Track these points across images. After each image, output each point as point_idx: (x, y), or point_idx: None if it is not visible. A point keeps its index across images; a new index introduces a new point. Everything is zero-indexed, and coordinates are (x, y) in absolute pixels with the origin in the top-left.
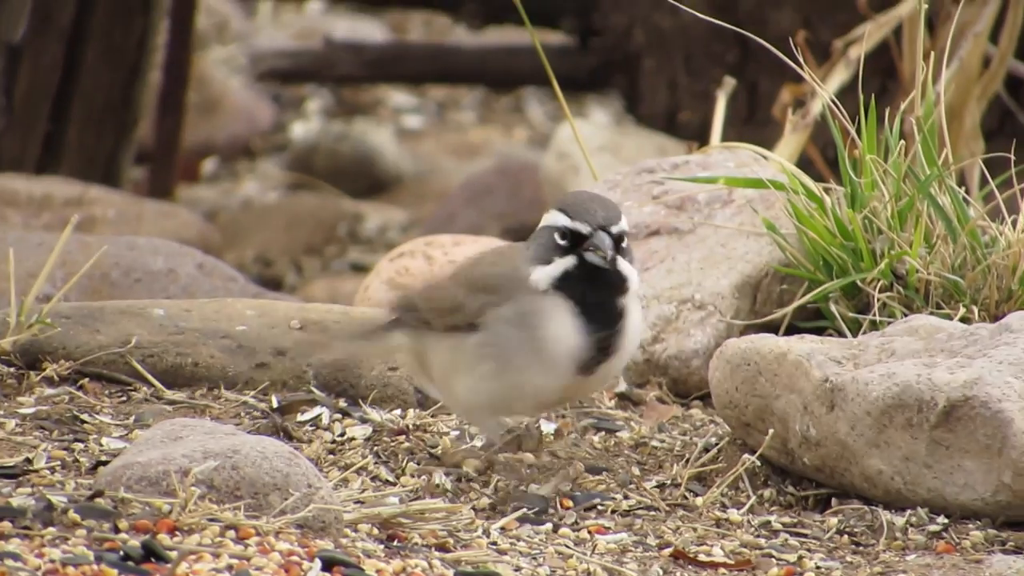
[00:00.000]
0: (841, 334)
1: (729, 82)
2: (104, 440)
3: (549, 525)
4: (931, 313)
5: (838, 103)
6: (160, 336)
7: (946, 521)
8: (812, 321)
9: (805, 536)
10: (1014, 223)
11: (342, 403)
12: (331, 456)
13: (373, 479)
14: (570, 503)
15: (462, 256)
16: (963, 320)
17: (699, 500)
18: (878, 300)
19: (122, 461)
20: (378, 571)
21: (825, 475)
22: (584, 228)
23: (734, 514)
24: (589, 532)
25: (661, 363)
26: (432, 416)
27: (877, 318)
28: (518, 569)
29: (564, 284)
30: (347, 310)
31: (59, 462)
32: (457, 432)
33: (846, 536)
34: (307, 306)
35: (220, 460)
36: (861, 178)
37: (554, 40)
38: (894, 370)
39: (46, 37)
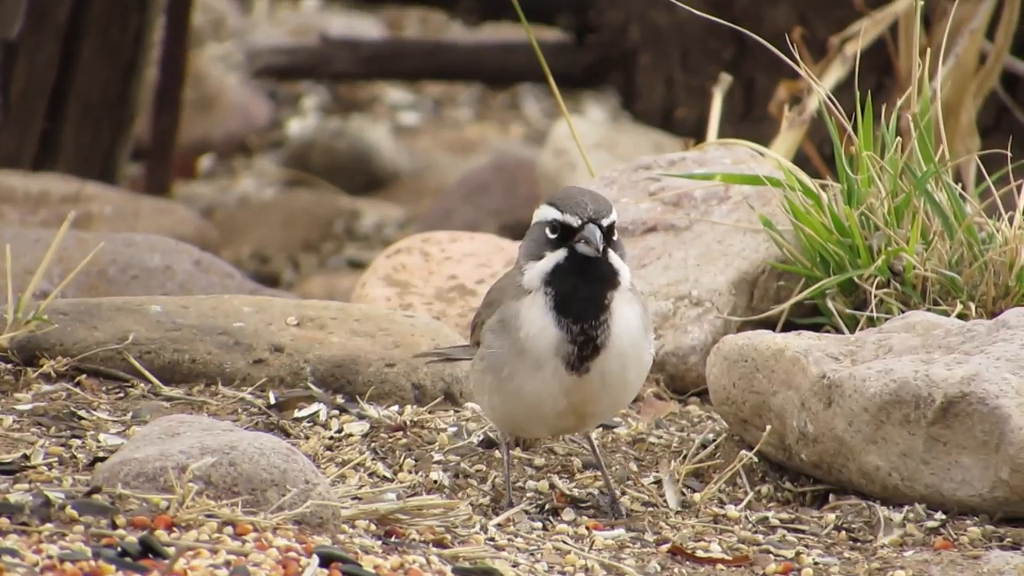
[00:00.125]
0: (838, 330)
1: (725, 79)
2: (101, 436)
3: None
4: (928, 309)
5: (834, 100)
6: (157, 332)
7: (944, 517)
8: (809, 317)
9: (803, 532)
10: (1011, 219)
11: (340, 399)
12: (329, 452)
13: (371, 475)
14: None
15: (459, 253)
16: (960, 316)
17: (697, 496)
18: (875, 296)
19: (119, 457)
20: (376, 567)
21: (823, 471)
22: (574, 221)
23: (732, 510)
24: (587, 528)
25: (658, 359)
26: (430, 412)
27: (874, 314)
28: (516, 565)
29: (555, 278)
30: (344, 306)
31: (56, 458)
32: (455, 428)
33: (844, 532)
34: (304, 302)
35: (217, 456)
36: (858, 175)
37: (550, 37)
38: (891, 366)
39: (42, 34)
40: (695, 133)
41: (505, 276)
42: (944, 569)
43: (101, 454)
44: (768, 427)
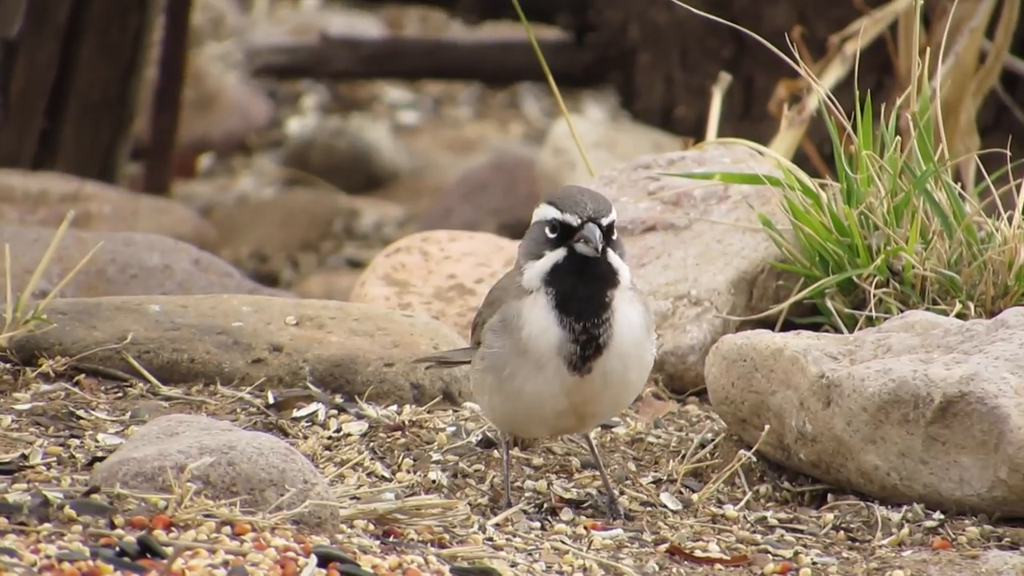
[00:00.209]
0: (837, 330)
1: (725, 78)
2: (100, 436)
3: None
4: (927, 309)
5: (834, 99)
6: (156, 332)
7: (942, 517)
8: (808, 317)
9: (801, 532)
10: (1010, 219)
11: (338, 399)
12: (327, 452)
13: (369, 475)
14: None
15: (458, 252)
16: (959, 316)
17: (695, 496)
18: (874, 296)
19: (118, 457)
20: (374, 567)
21: (821, 471)
22: (574, 220)
23: (730, 510)
24: (585, 528)
25: (657, 359)
26: (428, 412)
27: (873, 314)
28: (514, 565)
29: (554, 277)
30: (343, 306)
31: (55, 458)
32: (453, 428)
33: (842, 532)
34: (303, 302)
35: (216, 456)
36: (857, 174)
37: (550, 36)
38: (890, 366)
39: (42, 33)
40: (694, 132)
41: (506, 276)
42: (942, 569)
43: (100, 454)
44: (767, 427)
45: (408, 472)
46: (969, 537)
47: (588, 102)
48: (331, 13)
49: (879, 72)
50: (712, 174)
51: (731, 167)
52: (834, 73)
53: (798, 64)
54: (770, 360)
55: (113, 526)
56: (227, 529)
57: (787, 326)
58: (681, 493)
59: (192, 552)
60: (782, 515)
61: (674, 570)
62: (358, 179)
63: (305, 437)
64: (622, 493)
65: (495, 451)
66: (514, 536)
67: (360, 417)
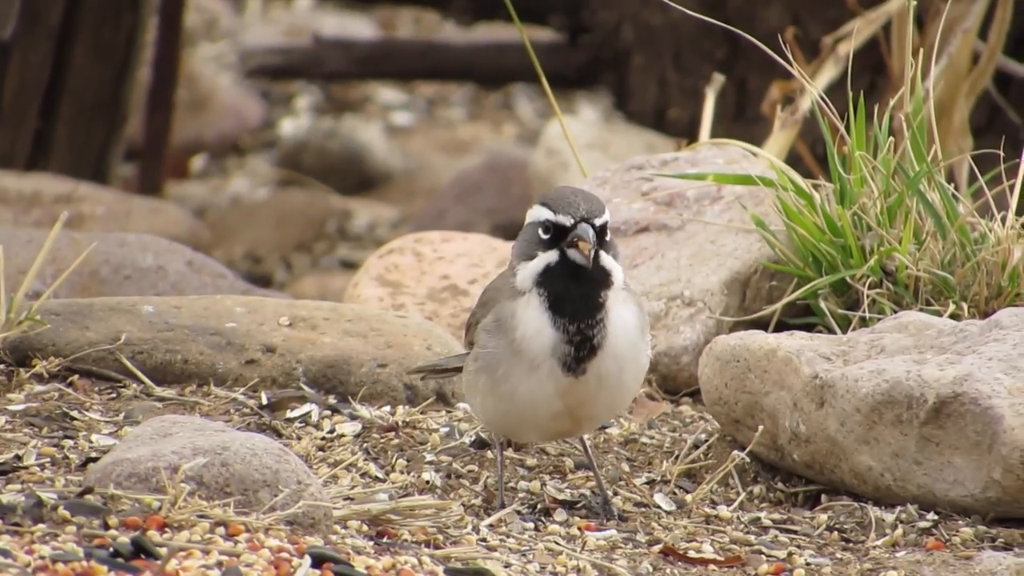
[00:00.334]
0: (830, 330)
1: (718, 79)
2: (94, 437)
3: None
4: (921, 310)
5: (827, 100)
6: (150, 333)
7: (936, 517)
8: (801, 318)
9: (795, 532)
10: (1003, 219)
11: (332, 400)
12: (321, 453)
13: (363, 476)
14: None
15: (451, 253)
16: (953, 316)
17: (689, 497)
18: (867, 296)
19: (112, 458)
20: (368, 568)
21: (815, 471)
22: (567, 221)
23: (724, 510)
24: (579, 529)
25: (651, 360)
26: (422, 413)
27: (866, 315)
28: (508, 566)
29: (547, 279)
30: (336, 307)
31: (49, 459)
32: (447, 429)
33: (836, 532)
34: (296, 303)
35: (210, 457)
36: (850, 174)
37: (543, 37)
38: (884, 366)
39: (35, 35)
40: (688, 133)
41: (499, 276)
42: (936, 570)
43: (93, 454)
44: (760, 427)
45: (402, 473)
46: (963, 538)
47: (581, 103)
48: (324, 14)
49: (872, 73)
50: (705, 175)
51: (724, 168)
52: (827, 74)
53: (791, 65)
54: (763, 361)
55: (107, 527)
56: (221, 530)
57: (780, 327)
58: (675, 494)
59: (186, 553)
60: (776, 516)
61: (668, 571)
62: (351, 180)
63: (299, 438)
64: (616, 494)
65: (489, 452)
66: (508, 537)
67: (353, 418)
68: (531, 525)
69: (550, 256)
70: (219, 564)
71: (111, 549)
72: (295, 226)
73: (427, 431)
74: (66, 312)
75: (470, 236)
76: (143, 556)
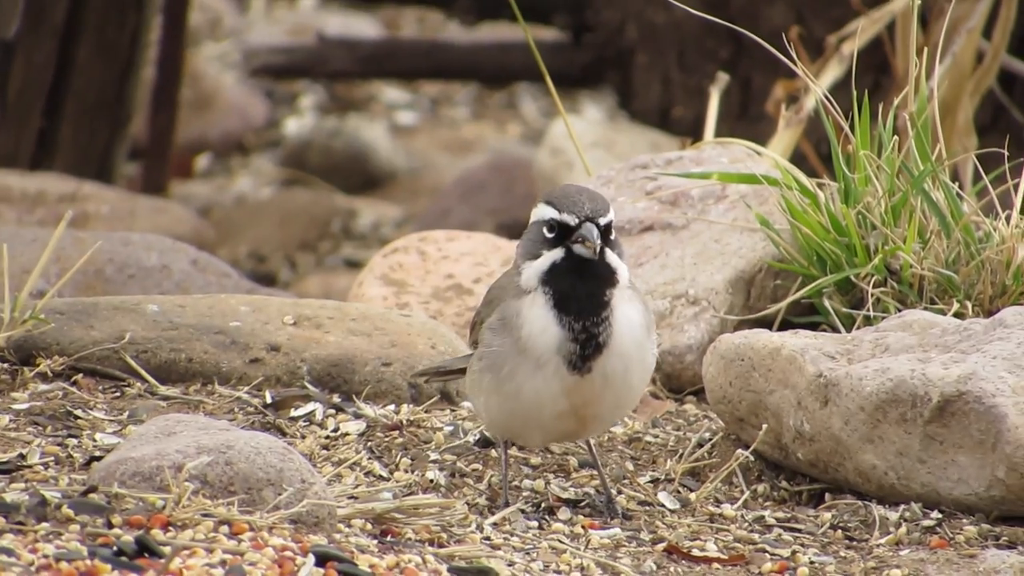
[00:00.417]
0: (835, 329)
1: (722, 78)
2: (98, 436)
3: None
4: (925, 308)
5: (831, 99)
6: (154, 332)
7: (940, 516)
8: (806, 316)
9: (799, 531)
10: (1008, 218)
11: (336, 399)
12: (325, 451)
13: (367, 474)
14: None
15: (456, 252)
16: (957, 315)
17: (693, 495)
18: (872, 295)
19: (116, 456)
20: (372, 566)
21: (819, 470)
22: (571, 220)
23: (728, 509)
24: (583, 527)
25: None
26: (426, 412)
27: (871, 313)
28: (511, 564)
29: (552, 277)
30: (340, 306)
31: (53, 457)
32: (451, 427)
33: (840, 531)
34: (301, 302)
35: (214, 455)
36: (855, 173)
37: (547, 36)
38: (888, 365)
39: (39, 33)
40: (692, 132)
41: (504, 275)
42: (940, 568)
43: (97, 453)
44: (764, 426)
45: (406, 471)
46: (967, 536)
47: (586, 102)
48: (328, 13)
49: (876, 72)
50: (710, 174)
51: (729, 167)
52: (831, 73)
53: (795, 64)
54: (768, 359)
55: (111, 525)
56: (225, 528)
57: (785, 325)
58: (679, 492)
59: (190, 551)
60: (780, 514)
61: (672, 569)
62: (356, 179)
63: (303, 436)
64: (620, 492)
65: (493, 450)
66: (512, 535)
67: (358, 416)
68: (535, 524)
69: (555, 254)
70: (223, 563)
71: (115, 548)
72: (299, 225)
73: (431, 430)
74: (70, 311)
75: (474, 235)
76: (147, 555)
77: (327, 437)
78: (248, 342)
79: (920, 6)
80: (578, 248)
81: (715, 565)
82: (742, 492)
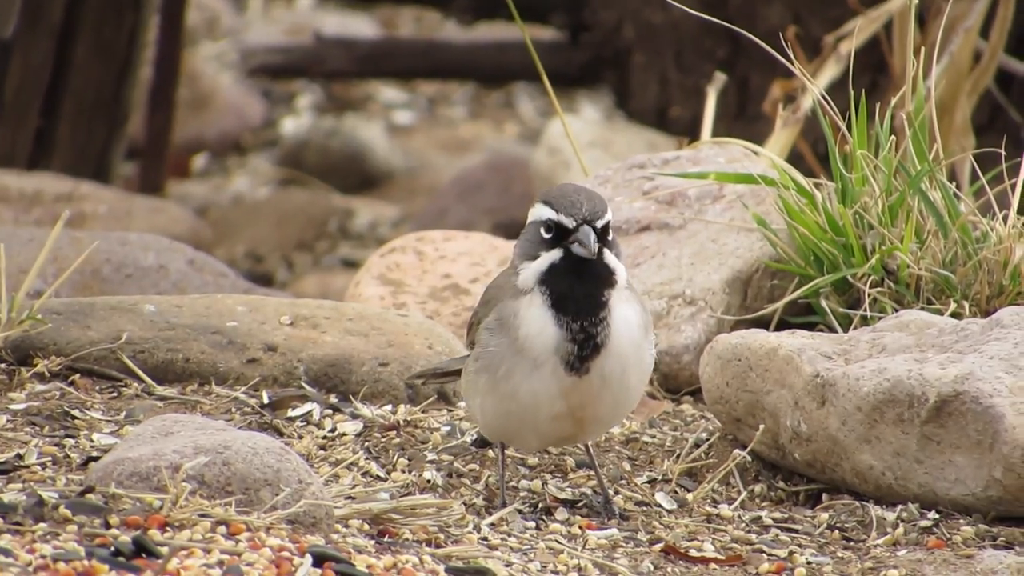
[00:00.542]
0: (832, 329)
1: (719, 78)
2: (95, 436)
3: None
4: (922, 308)
5: (828, 98)
6: (151, 332)
7: (937, 516)
8: (803, 316)
9: (796, 531)
10: (1005, 218)
11: (333, 399)
12: (322, 452)
13: (364, 475)
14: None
15: (453, 252)
16: (954, 315)
17: (690, 496)
18: (869, 295)
19: (113, 457)
20: (369, 567)
21: (816, 470)
22: (569, 222)
23: (725, 509)
24: (580, 528)
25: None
26: (423, 412)
27: (868, 313)
28: (509, 564)
29: (550, 277)
30: (337, 305)
31: (50, 458)
32: (448, 428)
33: (837, 531)
34: (298, 302)
35: (211, 456)
36: (852, 173)
37: (544, 36)
38: (885, 365)
39: (37, 33)
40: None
41: (501, 274)
42: (937, 568)
43: (95, 453)
44: (761, 426)
45: (403, 472)
46: (964, 537)
47: (583, 102)
48: (325, 13)
49: (874, 72)
50: (707, 174)
51: (726, 167)
52: (829, 73)
53: (793, 64)
54: (765, 360)
55: (108, 526)
56: (222, 529)
57: (782, 325)
58: (676, 493)
59: (187, 552)
60: (777, 515)
61: (669, 570)
62: (353, 179)
63: (300, 437)
64: (617, 493)
65: (490, 451)
66: (509, 536)
67: (355, 417)
68: (532, 524)
69: (554, 255)
70: (220, 563)
71: (112, 548)
72: (296, 225)
73: (428, 430)
74: (67, 311)
75: (471, 235)
76: (144, 555)
77: (324, 437)
78: (245, 342)
79: (917, 5)
80: (576, 248)
81: (712, 565)
82: (739, 492)
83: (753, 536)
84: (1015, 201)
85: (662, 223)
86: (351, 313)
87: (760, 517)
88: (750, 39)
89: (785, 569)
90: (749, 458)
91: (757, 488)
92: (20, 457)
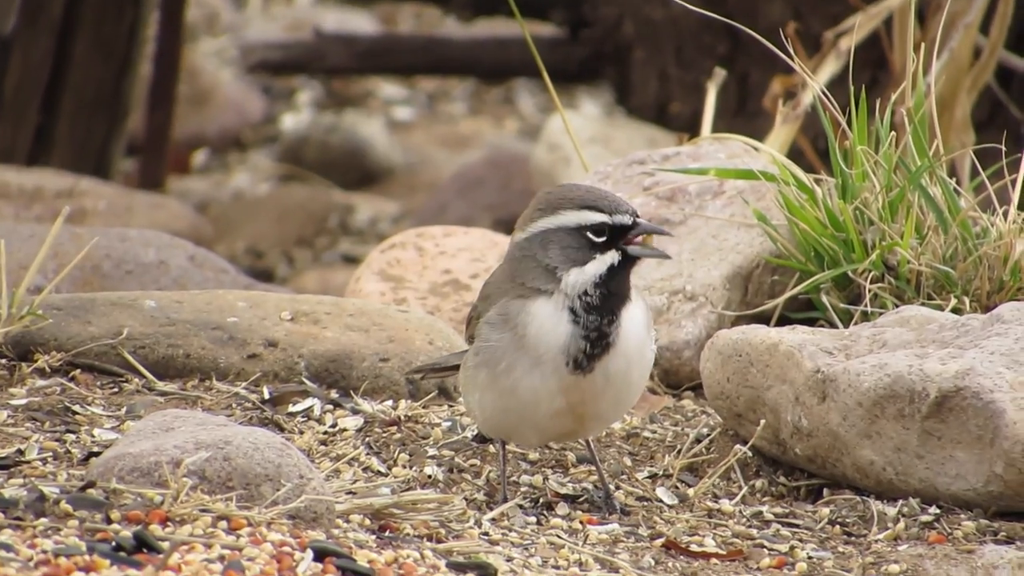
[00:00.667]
0: (832, 325)
1: (720, 73)
2: (96, 431)
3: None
4: (922, 304)
5: (829, 94)
6: (152, 327)
7: (938, 511)
8: (803, 312)
9: (797, 526)
10: (1005, 214)
11: (333, 394)
12: (323, 447)
13: (365, 470)
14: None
15: (453, 247)
16: (954, 311)
17: (691, 491)
18: (869, 291)
19: (114, 452)
20: (370, 562)
21: (817, 465)
22: (627, 220)
23: (726, 504)
24: (581, 523)
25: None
26: (424, 407)
27: (868, 309)
28: (510, 559)
29: (610, 279)
30: (338, 301)
31: (51, 453)
32: (449, 423)
33: (838, 526)
34: (298, 297)
35: (212, 451)
36: (852, 169)
37: (544, 32)
38: (886, 361)
39: (36, 29)
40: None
41: (499, 270)
42: (938, 563)
43: (95, 449)
44: (762, 421)
45: (404, 467)
46: (965, 532)
47: (583, 98)
48: (325, 9)
49: (874, 68)
50: (707, 170)
51: (726, 163)
52: (829, 69)
53: (793, 60)
54: (765, 355)
55: (109, 521)
56: (223, 524)
57: (782, 321)
58: (677, 488)
59: (188, 547)
60: (778, 510)
61: (670, 564)
62: (353, 175)
63: (301, 432)
64: (618, 488)
65: (491, 446)
66: (510, 531)
67: (356, 412)
68: (533, 519)
69: (611, 257)
70: (221, 558)
71: (113, 543)
72: (297, 221)
73: (429, 425)
74: (68, 307)
75: (471, 231)
76: (145, 550)
77: (325, 433)
78: (246, 338)
79: (917, 1)
80: (634, 249)
81: (713, 560)
82: (740, 487)
83: (754, 531)
84: (1015, 197)
85: (662, 219)
86: (352, 309)
87: (761, 512)
88: (750, 35)
89: (786, 564)
90: (750, 453)
91: (758, 483)
92: (21, 452)
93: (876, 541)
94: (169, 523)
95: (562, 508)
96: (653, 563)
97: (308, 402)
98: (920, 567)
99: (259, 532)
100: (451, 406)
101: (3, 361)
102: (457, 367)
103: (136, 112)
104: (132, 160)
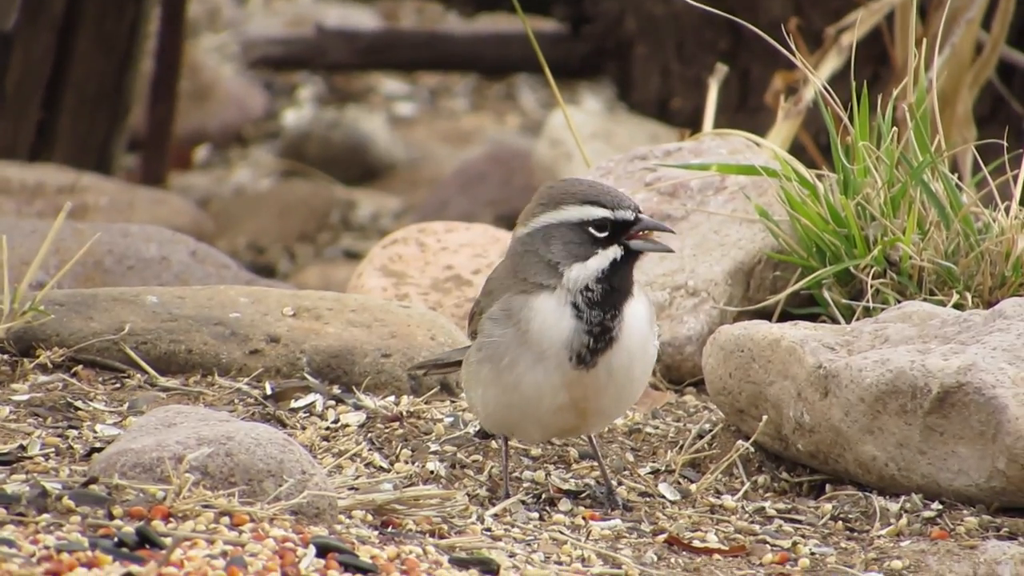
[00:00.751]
0: (834, 320)
1: (721, 69)
2: (98, 427)
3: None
4: (924, 299)
5: (830, 90)
6: (153, 323)
7: (940, 507)
8: (805, 307)
9: (799, 522)
10: (1007, 209)
11: (336, 390)
12: (325, 443)
13: (367, 466)
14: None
15: (455, 243)
16: (956, 306)
17: (693, 486)
18: (871, 287)
19: (116, 448)
20: (372, 557)
21: (819, 461)
22: (629, 215)
23: (728, 500)
24: (584, 519)
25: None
26: (426, 403)
27: (870, 304)
28: (512, 555)
29: (612, 274)
30: (340, 297)
31: (53, 449)
32: (451, 419)
33: (840, 522)
34: (300, 293)
35: (214, 447)
36: (854, 165)
37: (546, 27)
38: (888, 356)
39: (38, 25)
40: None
41: (501, 265)
42: (941, 559)
43: (98, 444)
44: (764, 417)
45: (406, 463)
46: (967, 527)
47: (584, 93)
48: (327, 5)
49: (875, 63)
50: (709, 165)
51: (728, 158)
52: (830, 64)
53: (794, 55)
54: (767, 351)
55: (111, 517)
56: (225, 520)
57: (784, 317)
58: (679, 483)
59: (190, 543)
60: (780, 505)
61: (672, 560)
62: (354, 170)
63: (303, 428)
64: (620, 483)
65: (493, 442)
66: (512, 526)
67: (358, 408)
68: (536, 515)
69: (613, 252)
70: (224, 554)
71: (116, 539)
72: (298, 216)
73: (431, 421)
74: (70, 302)
75: (473, 226)
76: (148, 546)
77: (327, 428)
78: (248, 333)
79: None
80: (637, 244)
81: (716, 556)
82: (742, 483)
83: (756, 527)
84: (1017, 192)
85: (664, 214)
86: (354, 304)
87: (763, 508)
88: (752, 31)
89: (789, 560)
90: (752, 449)
91: (760, 479)
92: (23, 448)
93: (879, 537)
94: (171, 519)
95: (564, 504)
96: (655, 559)
97: (310, 398)
98: (923, 563)
99: (261, 528)
100: (453, 402)
101: (5, 357)
102: (459, 363)
103: (138, 108)
104: (134, 156)
